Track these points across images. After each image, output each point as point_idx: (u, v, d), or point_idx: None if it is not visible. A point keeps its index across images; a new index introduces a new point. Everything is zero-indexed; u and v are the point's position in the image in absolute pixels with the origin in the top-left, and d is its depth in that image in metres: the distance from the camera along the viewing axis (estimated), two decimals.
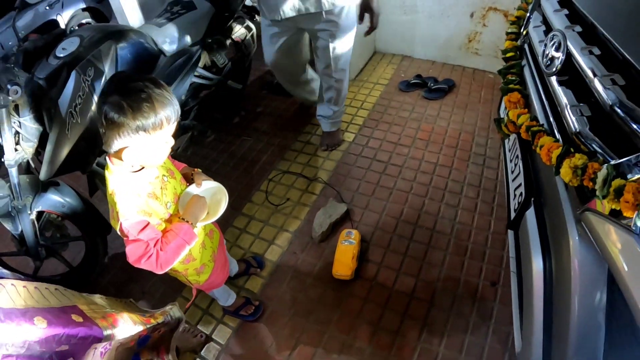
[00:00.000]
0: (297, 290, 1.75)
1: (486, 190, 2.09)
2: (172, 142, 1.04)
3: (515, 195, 1.26)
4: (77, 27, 4.10)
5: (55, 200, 1.65)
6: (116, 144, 0.95)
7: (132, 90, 0.93)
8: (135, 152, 0.97)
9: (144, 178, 1.06)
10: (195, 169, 1.29)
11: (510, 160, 1.41)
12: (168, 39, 1.94)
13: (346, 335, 1.58)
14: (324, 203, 2.08)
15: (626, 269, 0.70)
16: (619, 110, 0.80)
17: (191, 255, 1.24)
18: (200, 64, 2.20)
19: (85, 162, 1.67)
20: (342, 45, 1.98)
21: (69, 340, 0.93)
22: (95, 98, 1.58)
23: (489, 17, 2.80)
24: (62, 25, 3.54)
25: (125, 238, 1.04)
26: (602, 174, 0.73)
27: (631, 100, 0.80)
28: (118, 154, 0.98)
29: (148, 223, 1.04)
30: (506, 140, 1.53)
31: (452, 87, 2.88)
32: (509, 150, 1.46)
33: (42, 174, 1.57)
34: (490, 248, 1.82)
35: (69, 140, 1.53)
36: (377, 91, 2.92)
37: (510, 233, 1.33)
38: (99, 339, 1.02)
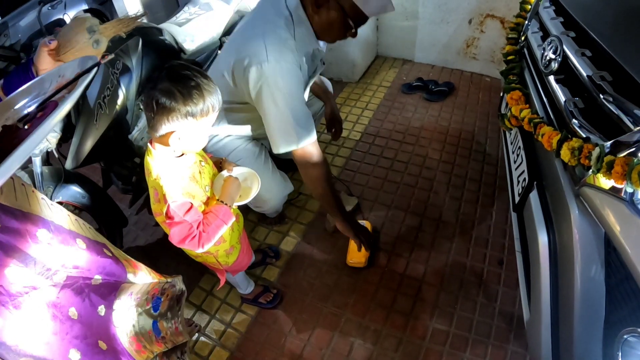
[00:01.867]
0: (313, 278, 1.88)
1: (486, 184, 2.26)
2: (210, 129, 1.14)
3: (518, 182, 1.42)
4: None
5: (75, 192, 1.73)
6: (164, 129, 1.04)
7: (182, 78, 1.01)
8: (182, 137, 1.07)
9: (185, 163, 1.16)
10: (223, 158, 1.42)
11: (513, 152, 1.57)
12: (188, 37, 2.09)
13: (362, 318, 1.71)
14: None
15: (619, 230, 0.86)
16: (608, 102, 0.97)
17: (222, 237, 1.33)
18: None
19: (111, 153, 1.78)
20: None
21: (101, 270, 1.01)
22: (123, 90, 1.69)
23: (487, 23, 2.99)
24: None
25: (169, 221, 1.13)
26: (595, 153, 0.90)
27: (618, 92, 0.97)
28: (164, 139, 1.07)
29: (192, 205, 1.14)
30: (507, 134, 1.69)
31: (452, 89, 3.06)
32: (511, 143, 1.62)
33: (68, 164, 1.65)
34: (492, 236, 1.98)
35: (97, 130, 1.63)
36: (381, 93, 3.10)
37: (514, 216, 1.48)
38: (123, 280, 1.10)
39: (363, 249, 1.82)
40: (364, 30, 2.56)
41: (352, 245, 1.87)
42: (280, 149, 1.51)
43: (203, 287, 1.90)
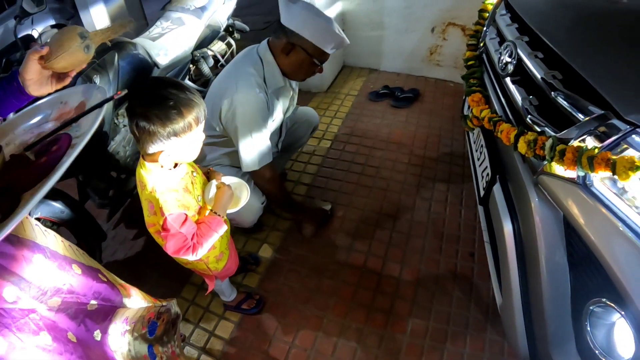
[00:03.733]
0: (294, 282, 1.93)
1: (454, 183, 2.38)
2: (203, 136, 1.16)
3: (482, 177, 1.53)
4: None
5: (54, 207, 1.71)
6: (152, 149, 1.07)
7: (159, 99, 1.01)
8: (171, 154, 1.10)
9: (178, 175, 1.19)
10: (210, 167, 1.46)
11: (476, 150, 1.68)
12: (161, 51, 2.14)
13: (343, 319, 1.77)
14: (309, 203, 2.31)
15: (576, 211, 0.96)
16: (558, 97, 1.07)
17: (212, 245, 1.34)
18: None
19: (89, 166, 1.80)
20: None
21: (97, 295, 1.03)
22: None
23: (449, 31, 3.15)
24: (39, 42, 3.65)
25: (164, 233, 1.16)
26: (548, 143, 1.00)
27: (567, 89, 1.08)
28: (154, 157, 1.10)
29: (187, 217, 1.18)
30: (470, 134, 1.81)
31: (418, 95, 3.19)
32: (474, 142, 1.73)
33: None
34: (462, 232, 2.08)
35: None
36: (349, 101, 3.20)
37: (481, 210, 1.58)
38: (118, 305, 1.12)
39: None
40: None
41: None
42: (244, 167, 1.77)
43: (185, 297, 1.91)
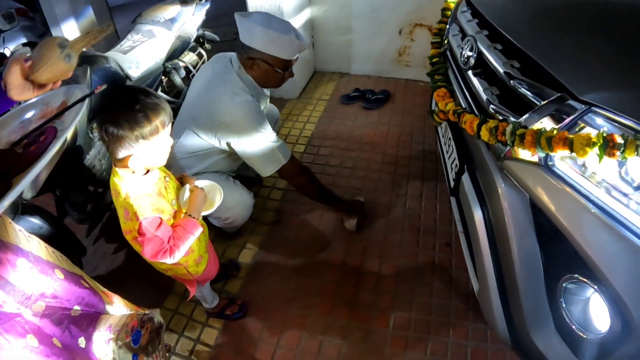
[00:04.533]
0: (276, 283, 1.92)
1: (428, 179, 2.41)
2: (171, 141, 1.17)
3: (452, 169, 1.56)
4: None
5: (33, 223, 1.68)
6: (121, 154, 1.08)
7: (126, 104, 1.04)
8: (140, 158, 1.11)
9: (151, 180, 1.20)
10: (184, 174, 1.46)
11: (445, 143, 1.71)
12: (133, 64, 2.13)
13: (327, 316, 1.77)
14: (287, 208, 2.31)
15: (540, 191, 0.99)
16: (517, 84, 1.11)
17: (190, 248, 1.35)
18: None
19: (65, 180, 1.77)
20: None
21: (80, 301, 1.03)
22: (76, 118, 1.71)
23: (416, 32, 3.21)
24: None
25: (141, 237, 1.16)
26: (509, 129, 1.03)
27: (525, 76, 1.11)
28: (124, 162, 1.11)
29: (162, 220, 1.18)
30: (439, 129, 1.84)
31: (389, 96, 3.24)
32: (442, 136, 1.76)
33: (26, 193, 1.61)
34: (439, 225, 2.11)
35: (52, 159, 1.63)
36: (321, 106, 3.22)
37: (454, 201, 1.61)
38: (101, 311, 1.12)
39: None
40: None
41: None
42: (268, 171, 1.80)
43: (168, 308, 1.88)
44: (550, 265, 1.10)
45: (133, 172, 1.14)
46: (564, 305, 1.05)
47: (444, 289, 1.82)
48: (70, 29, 3.63)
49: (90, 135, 1.95)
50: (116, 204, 1.19)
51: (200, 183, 1.39)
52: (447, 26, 1.93)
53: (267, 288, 1.91)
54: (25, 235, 0.98)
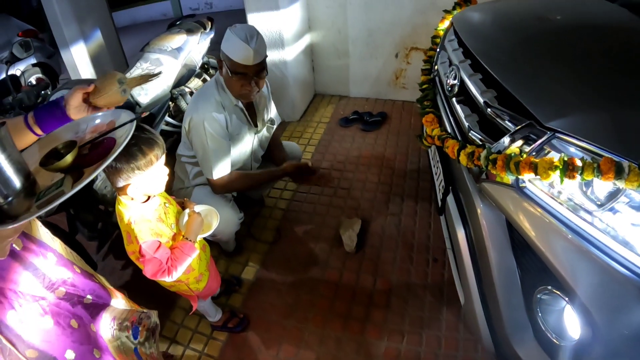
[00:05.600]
0: (275, 299, 1.99)
1: (423, 198, 2.49)
2: (166, 170, 1.29)
3: (439, 189, 1.64)
4: (33, 82, 4.24)
5: None
6: (120, 183, 1.20)
7: None
8: (137, 187, 1.22)
9: (151, 207, 1.31)
10: (185, 199, 1.56)
11: (434, 165, 1.80)
12: (142, 91, 2.24)
13: (322, 329, 1.83)
14: (286, 227, 2.39)
15: (513, 211, 1.07)
16: (493, 112, 1.20)
17: (191, 267, 1.47)
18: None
19: (77, 201, 1.86)
20: None
21: (92, 292, 1.19)
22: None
23: (412, 55, 3.33)
24: (22, 81, 3.75)
25: (142, 258, 1.27)
26: (483, 154, 1.12)
27: (501, 105, 1.20)
28: (124, 190, 1.22)
29: (160, 243, 1.29)
30: (430, 152, 1.93)
31: (386, 118, 3.34)
32: (432, 158, 1.85)
33: (43, 212, 1.74)
34: (432, 242, 2.19)
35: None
36: (321, 128, 3.32)
37: (443, 219, 1.69)
38: (108, 303, 1.27)
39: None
40: (300, 72, 2.75)
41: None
42: (207, 176, 1.86)
43: (174, 321, 1.96)
44: (526, 278, 1.18)
45: (132, 199, 1.25)
46: (539, 314, 1.12)
47: (436, 303, 1.89)
48: (79, 51, 3.75)
49: None
50: (121, 227, 1.30)
51: (199, 208, 1.49)
52: (437, 53, 2.03)
53: (267, 303, 1.98)
54: (51, 236, 1.17)
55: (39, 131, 1.03)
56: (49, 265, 1.07)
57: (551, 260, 1.00)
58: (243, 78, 1.70)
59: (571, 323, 1.06)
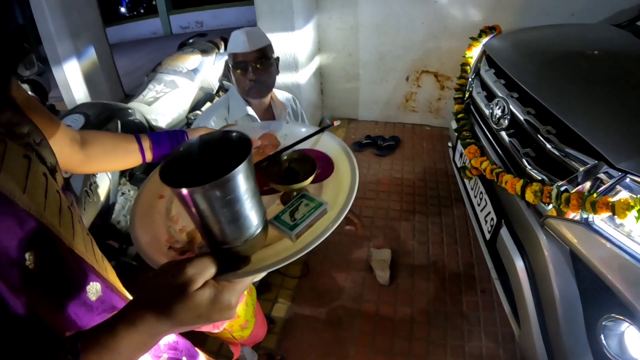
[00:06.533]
0: (312, 337, 2.05)
1: (447, 225, 2.63)
2: None
3: (486, 222, 1.76)
4: None
5: None
6: None
7: None
8: None
9: None
10: None
11: (475, 196, 1.92)
12: (158, 116, 2.30)
13: None
14: (313, 260, 2.47)
15: (581, 245, 1.21)
16: (556, 151, 1.34)
17: (236, 313, 1.48)
18: None
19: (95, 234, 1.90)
20: None
21: (187, 351, 1.13)
22: (109, 176, 1.83)
23: (422, 79, 3.52)
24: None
25: None
26: (554, 192, 1.25)
27: (563, 142, 1.35)
28: None
29: None
30: (467, 182, 2.06)
31: (398, 142, 3.50)
32: (472, 189, 1.98)
33: None
34: (463, 270, 2.31)
35: (86, 218, 1.73)
36: None
37: (486, 250, 1.81)
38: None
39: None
40: (311, 95, 2.85)
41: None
42: None
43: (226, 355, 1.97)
44: (589, 307, 1.30)
45: None
46: (604, 341, 1.24)
47: (475, 331, 2.00)
48: (72, 68, 3.81)
49: (120, 190, 2.09)
50: None
51: None
52: (470, 81, 2.18)
53: (304, 342, 2.03)
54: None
55: (149, 156, 0.97)
56: None
57: (619, 288, 1.13)
58: (243, 69, 1.69)
59: (634, 343, 1.19)
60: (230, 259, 0.60)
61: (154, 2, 10.35)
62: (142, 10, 12.79)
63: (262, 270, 0.62)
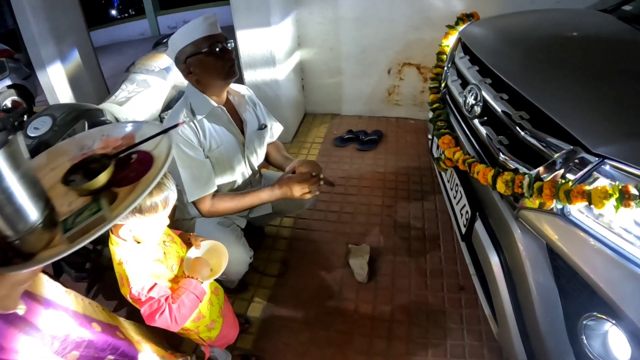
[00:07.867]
0: (288, 337, 1.93)
1: (429, 219, 2.51)
2: (167, 222, 1.18)
3: (461, 215, 1.64)
4: (8, 104, 4.14)
5: None
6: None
7: None
8: (132, 230, 1.12)
9: (147, 247, 1.20)
10: (191, 233, 1.48)
11: (451, 189, 1.80)
12: (130, 117, 2.18)
13: None
14: (292, 258, 2.35)
15: (558, 238, 1.08)
16: (528, 136, 1.21)
17: (200, 313, 1.37)
18: None
19: None
20: None
21: (114, 351, 1.11)
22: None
23: (404, 71, 3.39)
24: None
25: (138, 302, 1.16)
26: (526, 181, 1.12)
27: (536, 128, 1.22)
28: (116, 229, 1.12)
29: (156, 284, 1.18)
30: (443, 174, 1.94)
31: (381, 136, 3.37)
32: (448, 181, 1.86)
33: None
34: (445, 266, 2.19)
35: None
36: (315, 149, 3.33)
37: (464, 245, 1.69)
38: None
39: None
40: (292, 91, 2.72)
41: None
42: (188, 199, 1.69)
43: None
44: (569, 305, 1.18)
45: (125, 240, 1.15)
46: (585, 341, 1.12)
47: (457, 329, 1.88)
48: (56, 72, 3.69)
49: None
50: (115, 269, 1.19)
51: (205, 244, 1.41)
52: (445, 70, 2.06)
53: (280, 342, 1.92)
54: (63, 291, 1.09)
55: None
56: (59, 327, 0.98)
57: (600, 285, 1.01)
58: (221, 50, 1.60)
59: (618, 345, 1.06)
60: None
61: (142, 4, 10.21)
62: (132, 12, 12.66)
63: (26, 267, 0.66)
